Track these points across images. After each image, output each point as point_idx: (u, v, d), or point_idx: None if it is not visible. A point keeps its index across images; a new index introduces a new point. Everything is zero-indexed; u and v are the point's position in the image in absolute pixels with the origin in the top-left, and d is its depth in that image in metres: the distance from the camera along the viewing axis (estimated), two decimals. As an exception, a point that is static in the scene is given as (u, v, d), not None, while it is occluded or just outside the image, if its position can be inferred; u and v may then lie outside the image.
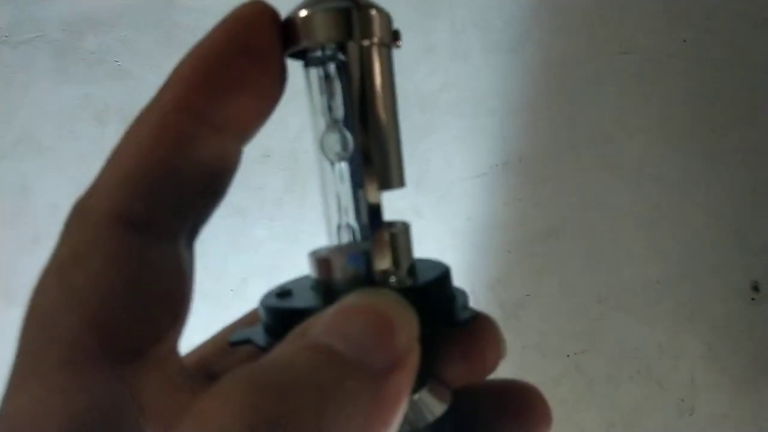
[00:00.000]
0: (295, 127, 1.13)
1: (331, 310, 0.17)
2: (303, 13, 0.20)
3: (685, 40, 1.14)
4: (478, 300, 1.10)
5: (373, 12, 0.21)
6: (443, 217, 1.12)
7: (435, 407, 0.22)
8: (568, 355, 1.09)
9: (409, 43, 1.25)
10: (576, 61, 1.15)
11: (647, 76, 1.13)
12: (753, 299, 1.08)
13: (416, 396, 0.22)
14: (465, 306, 0.23)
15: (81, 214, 0.18)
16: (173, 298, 0.18)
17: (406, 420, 0.21)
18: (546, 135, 1.14)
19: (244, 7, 0.20)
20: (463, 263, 1.11)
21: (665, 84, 1.13)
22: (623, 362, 1.09)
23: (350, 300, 0.18)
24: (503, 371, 0.98)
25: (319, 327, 0.17)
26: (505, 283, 1.11)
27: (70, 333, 0.16)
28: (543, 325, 1.10)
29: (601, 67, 1.14)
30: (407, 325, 0.17)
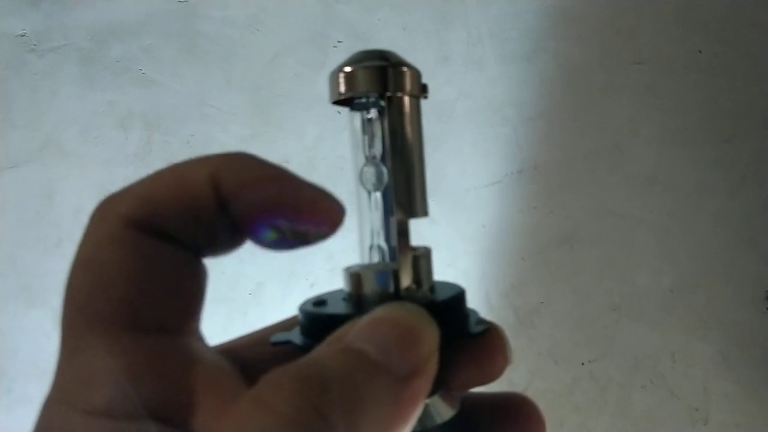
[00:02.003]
0: (312, 135, 1.15)
1: (364, 320, 0.20)
2: (348, 68, 0.24)
3: (699, 51, 1.15)
4: (492, 306, 1.11)
5: (405, 69, 0.25)
6: (458, 224, 1.13)
7: (444, 412, 0.25)
8: (582, 363, 1.09)
9: (425, 52, 1.28)
10: (590, 70, 1.16)
11: (661, 85, 1.14)
12: (767, 308, 1.08)
13: (429, 401, 0.24)
14: (477, 321, 0.26)
15: (102, 213, 0.21)
16: (185, 285, 0.21)
17: (418, 421, 0.23)
18: (560, 144, 1.15)
19: None
20: (478, 270, 1.12)
21: (679, 94, 1.14)
22: (636, 370, 1.09)
23: (381, 311, 0.20)
24: (519, 378, 0.98)
25: (353, 334, 0.19)
26: (519, 290, 1.12)
27: (103, 313, 0.19)
28: (557, 333, 1.11)
29: (615, 76, 1.15)
30: (429, 337, 0.20)
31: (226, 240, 0.22)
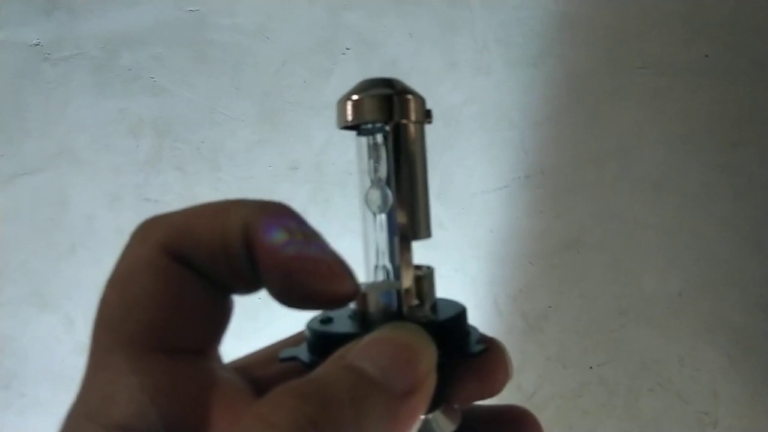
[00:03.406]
0: (320, 140, 1.16)
1: (366, 339, 0.21)
2: (355, 96, 0.26)
3: (706, 55, 1.15)
4: (501, 311, 1.11)
5: (410, 97, 0.26)
6: (465, 228, 1.13)
7: (446, 427, 0.26)
8: (590, 367, 1.09)
9: (432, 58, 1.28)
10: (596, 75, 1.16)
11: (667, 90, 1.14)
12: (775, 312, 1.08)
13: (431, 415, 0.25)
14: (478, 340, 0.26)
15: (141, 236, 0.22)
16: (211, 313, 0.23)
17: None
18: (567, 148, 1.15)
19: None
20: (486, 275, 1.12)
21: (685, 98, 1.14)
22: (644, 374, 1.09)
23: (382, 331, 0.21)
24: (527, 382, 0.98)
25: (355, 352, 0.20)
26: (527, 294, 1.12)
27: (131, 333, 0.21)
28: (565, 337, 1.11)
29: (621, 81, 1.15)
30: (426, 356, 0.21)
31: (250, 284, 0.23)
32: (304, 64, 1.20)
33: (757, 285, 1.09)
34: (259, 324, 1.10)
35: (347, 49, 1.20)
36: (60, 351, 1.11)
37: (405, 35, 1.18)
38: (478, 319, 1.10)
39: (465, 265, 1.12)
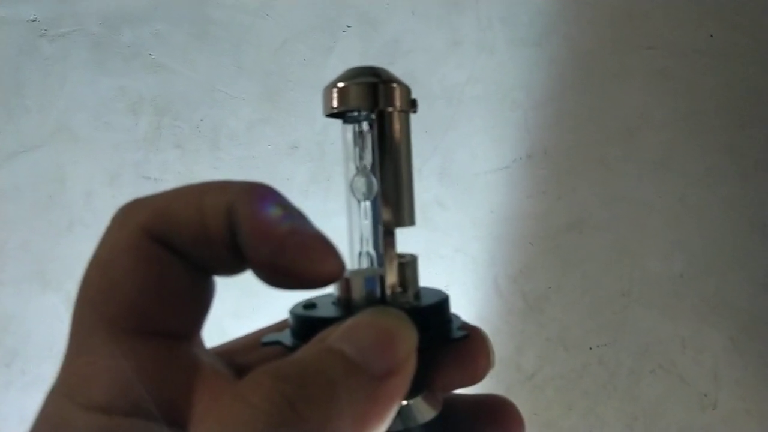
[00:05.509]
0: (321, 120, 1.15)
1: (346, 323, 0.21)
2: (341, 84, 0.26)
3: (711, 35, 1.13)
4: (501, 292, 1.11)
5: (395, 86, 0.26)
6: (467, 208, 1.13)
7: (427, 413, 0.26)
8: (590, 348, 1.10)
9: (435, 37, 1.27)
10: (601, 55, 1.15)
11: (673, 70, 1.13)
12: (778, 294, 1.08)
13: (411, 401, 0.26)
14: (460, 327, 0.27)
15: (122, 218, 0.22)
16: (192, 296, 0.23)
17: (400, 420, 0.25)
18: (570, 129, 1.14)
19: None
20: (486, 255, 1.12)
21: (690, 79, 1.13)
22: (646, 356, 1.09)
23: (364, 315, 0.21)
24: (527, 363, 0.98)
25: (335, 335, 0.21)
26: (528, 275, 1.12)
27: (112, 314, 0.21)
28: (566, 318, 1.11)
29: (626, 61, 1.14)
30: (407, 339, 0.21)
31: (233, 265, 0.23)
32: (304, 42, 1.19)
33: (761, 267, 1.09)
34: (258, 302, 1.10)
35: (348, 26, 1.18)
36: (61, 329, 1.11)
37: (407, 13, 1.17)
38: (478, 299, 1.10)
39: (466, 245, 1.12)
